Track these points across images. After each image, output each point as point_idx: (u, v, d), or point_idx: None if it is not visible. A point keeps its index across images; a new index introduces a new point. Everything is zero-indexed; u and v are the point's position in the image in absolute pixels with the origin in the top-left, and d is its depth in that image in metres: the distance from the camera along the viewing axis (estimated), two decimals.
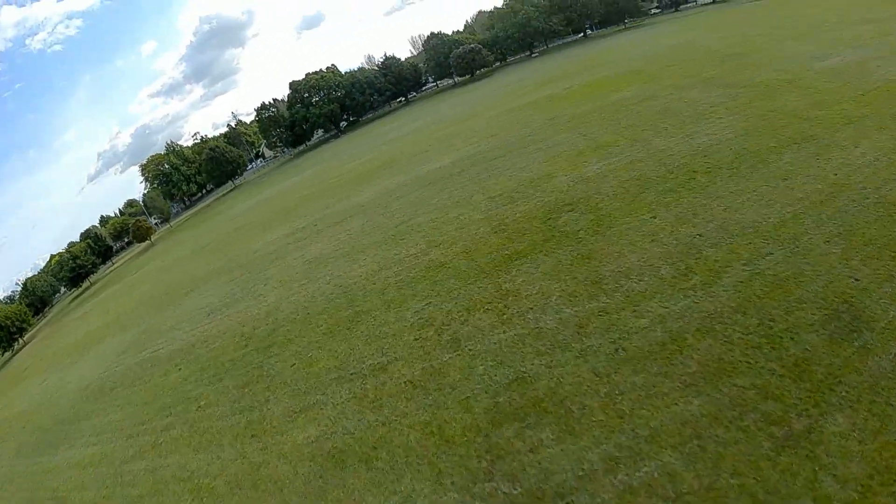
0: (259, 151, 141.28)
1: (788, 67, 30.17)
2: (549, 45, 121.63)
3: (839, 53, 32.11)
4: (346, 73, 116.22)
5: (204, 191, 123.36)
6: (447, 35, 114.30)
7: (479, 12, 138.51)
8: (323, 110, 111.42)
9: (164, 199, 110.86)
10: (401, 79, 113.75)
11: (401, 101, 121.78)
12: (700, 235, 13.36)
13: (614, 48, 66.77)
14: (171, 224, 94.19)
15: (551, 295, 12.37)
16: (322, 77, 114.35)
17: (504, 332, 11.61)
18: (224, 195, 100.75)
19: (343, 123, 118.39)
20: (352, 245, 22.62)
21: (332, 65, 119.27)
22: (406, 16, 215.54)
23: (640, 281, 11.96)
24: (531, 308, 12.12)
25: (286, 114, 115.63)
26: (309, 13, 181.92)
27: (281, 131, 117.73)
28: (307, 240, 27.15)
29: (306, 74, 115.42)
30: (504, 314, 12.31)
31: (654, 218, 14.89)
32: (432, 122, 55.85)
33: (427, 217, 21.71)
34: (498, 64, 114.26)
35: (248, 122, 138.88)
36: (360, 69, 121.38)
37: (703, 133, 21.23)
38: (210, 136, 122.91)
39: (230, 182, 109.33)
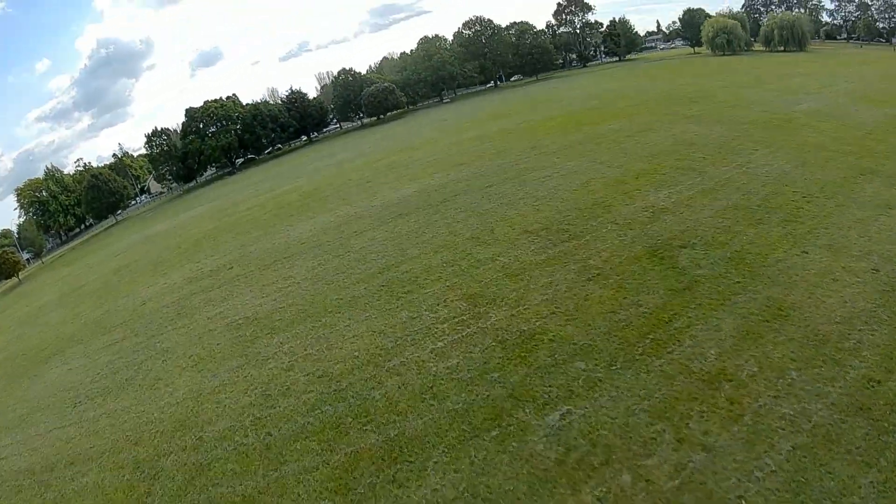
0: (145, 186, 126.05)
1: (772, 109, 29.16)
2: (458, 93, 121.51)
3: (803, 100, 31.96)
4: (247, 104, 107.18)
5: (83, 225, 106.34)
6: (358, 73, 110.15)
7: (385, 58, 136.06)
8: (220, 142, 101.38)
9: (39, 230, 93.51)
10: (306, 115, 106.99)
11: (303, 140, 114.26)
12: (875, 270, 10.47)
13: (545, 93, 66.14)
14: (44, 260, 78.39)
15: (785, 370, 7.66)
16: (222, 106, 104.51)
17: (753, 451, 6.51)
18: (106, 230, 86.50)
19: (239, 160, 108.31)
20: (307, 300, 15.46)
21: (234, 94, 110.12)
22: (301, 62, 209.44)
23: (873, 333, 8.11)
24: (767, 395, 7.27)
25: (179, 143, 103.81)
26: (206, 48, 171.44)
27: (172, 163, 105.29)
28: (222, 288, 19.74)
29: (205, 102, 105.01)
30: (731, 412, 7.31)
31: (806, 253, 11.38)
32: (358, 155, 50.31)
33: (432, 257, 15.96)
34: (409, 108, 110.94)
35: (135, 156, 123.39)
36: (264, 102, 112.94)
37: (755, 163, 18.47)
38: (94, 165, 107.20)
39: (112, 217, 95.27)
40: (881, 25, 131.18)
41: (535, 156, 25.60)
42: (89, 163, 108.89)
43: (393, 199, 24.28)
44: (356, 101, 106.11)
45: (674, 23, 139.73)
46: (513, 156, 26.66)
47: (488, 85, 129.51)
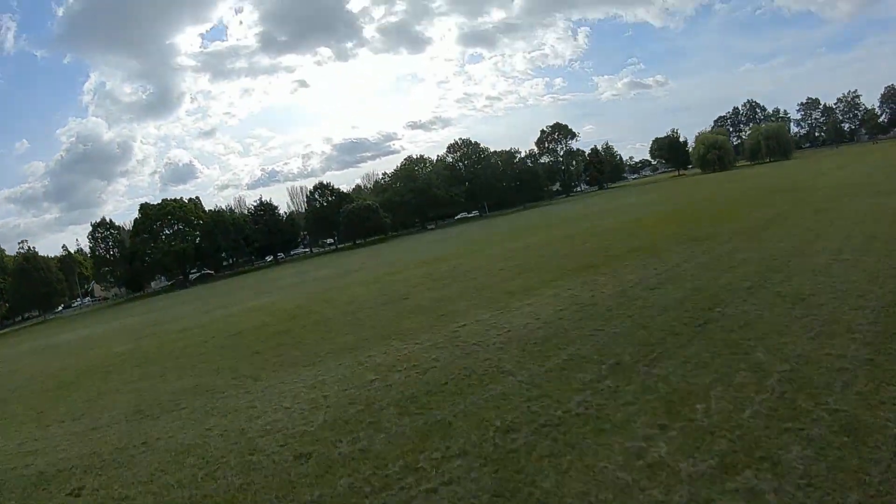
0: (89, 288, 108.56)
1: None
2: (441, 222, 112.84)
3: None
4: (210, 210, 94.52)
5: (21, 317, 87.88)
6: (337, 188, 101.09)
7: (358, 185, 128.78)
8: (174, 247, 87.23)
9: None
10: (274, 230, 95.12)
11: (268, 260, 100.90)
12: None
13: (556, 213, 56.50)
14: None
15: None
16: (181, 207, 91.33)
17: None
18: (30, 326, 69.02)
19: (193, 273, 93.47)
20: None
21: (197, 197, 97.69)
22: (272, 192, 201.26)
23: None
24: None
25: (127, 242, 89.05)
26: (179, 165, 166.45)
27: (117, 264, 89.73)
28: None
29: (164, 200, 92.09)
30: None
31: None
32: (358, 268, 37.60)
33: None
34: (390, 234, 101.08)
35: (89, 256, 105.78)
36: (230, 210, 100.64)
37: None
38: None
39: (41, 313, 78.60)
40: (846, 126, 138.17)
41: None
42: (34, 248, 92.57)
43: (519, 326, 11.13)
44: (333, 219, 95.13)
45: (656, 149, 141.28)
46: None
47: (472, 213, 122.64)
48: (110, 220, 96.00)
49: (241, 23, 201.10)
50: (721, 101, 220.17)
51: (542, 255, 22.13)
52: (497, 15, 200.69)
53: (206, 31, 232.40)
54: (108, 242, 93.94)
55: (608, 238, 23.06)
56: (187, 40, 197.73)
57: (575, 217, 44.78)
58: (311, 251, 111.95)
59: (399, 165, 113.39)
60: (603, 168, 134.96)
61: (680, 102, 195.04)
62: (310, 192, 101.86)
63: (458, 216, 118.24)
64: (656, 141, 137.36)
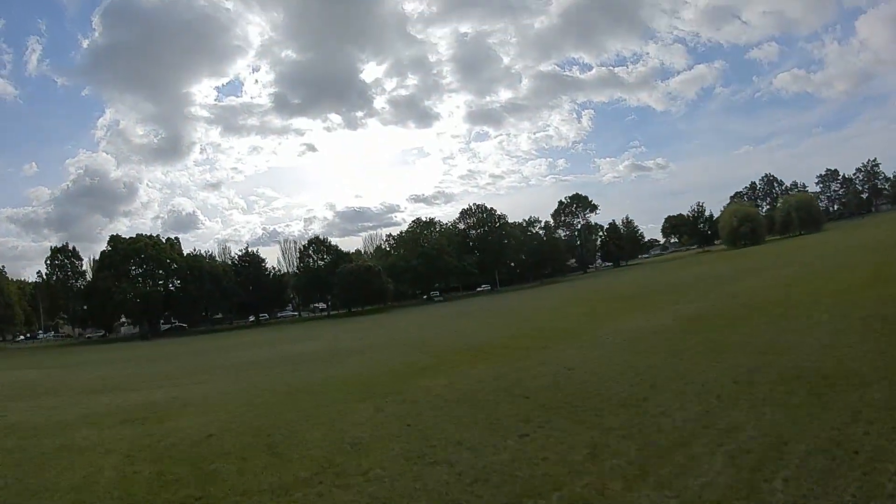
0: (56, 322, 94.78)
1: None
2: (449, 293, 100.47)
3: None
4: (188, 254, 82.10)
5: None
6: (334, 246, 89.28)
7: (358, 251, 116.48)
8: (138, 288, 74.15)
9: None
10: (259, 285, 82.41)
11: (249, 320, 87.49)
12: None
13: (613, 287, 43.80)
14: None
15: None
16: (155, 245, 79.06)
17: None
18: None
19: (166, 323, 79.73)
20: None
21: (176, 238, 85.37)
22: (272, 253, 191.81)
23: None
24: None
25: (89, 275, 76.43)
26: (182, 213, 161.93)
27: (72, 298, 77.01)
28: None
29: (138, 235, 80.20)
30: None
31: None
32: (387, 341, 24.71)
33: None
34: (391, 304, 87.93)
35: None
36: (210, 257, 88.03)
37: None
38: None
39: None
40: (864, 195, 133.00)
41: None
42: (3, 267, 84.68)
43: None
44: (327, 280, 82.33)
45: (670, 226, 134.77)
46: None
47: (482, 287, 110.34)
48: (73, 248, 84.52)
49: (256, 81, 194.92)
50: (721, 182, 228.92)
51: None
52: (504, 95, 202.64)
53: (223, 85, 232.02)
54: (66, 272, 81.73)
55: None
56: (203, 91, 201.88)
57: (653, 291, 31.55)
58: (300, 314, 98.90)
59: (406, 229, 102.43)
60: (622, 244, 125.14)
61: (680, 184, 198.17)
62: (303, 246, 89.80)
63: (477, 289, 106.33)
64: (669, 219, 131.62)
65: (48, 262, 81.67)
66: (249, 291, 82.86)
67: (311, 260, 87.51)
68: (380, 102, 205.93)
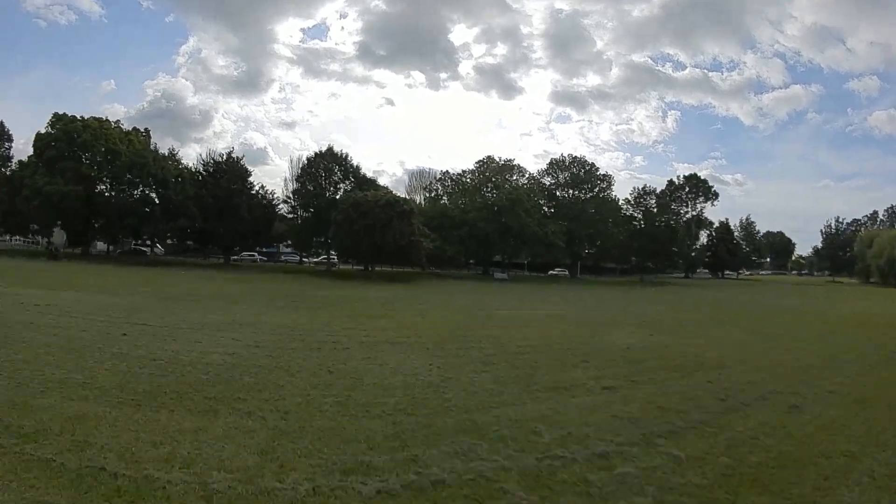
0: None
1: None
2: (513, 272, 69.26)
3: None
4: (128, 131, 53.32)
5: None
6: (355, 167, 58.25)
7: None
8: (51, 188, 46.50)
9: None
10: (230, 207, 52.39)
11: (218, 260, 59.16)
12: None
13: None
14: None
15: None
16: (103, 127, 52.81)
17: None
18: None
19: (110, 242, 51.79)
20: None
21: (146, 129, 58.77)
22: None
23: None
24: None
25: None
26: (255, 148, 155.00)
27: None
28: None
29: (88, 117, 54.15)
30: None
31: None
32: None
33: None
34: (430, 270, 56.83)
35: None
36: (170, 155, 58.00)
37: None
38: None
39: None
40: None
41: None
42: None
43: None
44: (327, 214, 50.85)
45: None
46: None
47: (557, 271, 78.83)
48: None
49: (342, 28, 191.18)
50: (795, 212, 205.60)
51: None
52: (592, 80, 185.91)
53: (308, 28, 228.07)
54: None
55: None
56: (287, 31, 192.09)
57: None
58: (302, 261, 69.66)
59: (474, 166, 69.99)
60: (735, 251, 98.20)
61: (753, 205, 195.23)
62: (307, 160, 58.34)
63: (549, 271, 77.82)
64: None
65: None
66: (213, 212, 52.70)
67: (316, 184, 56.22)
68: (465, 67, 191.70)
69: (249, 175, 58.66)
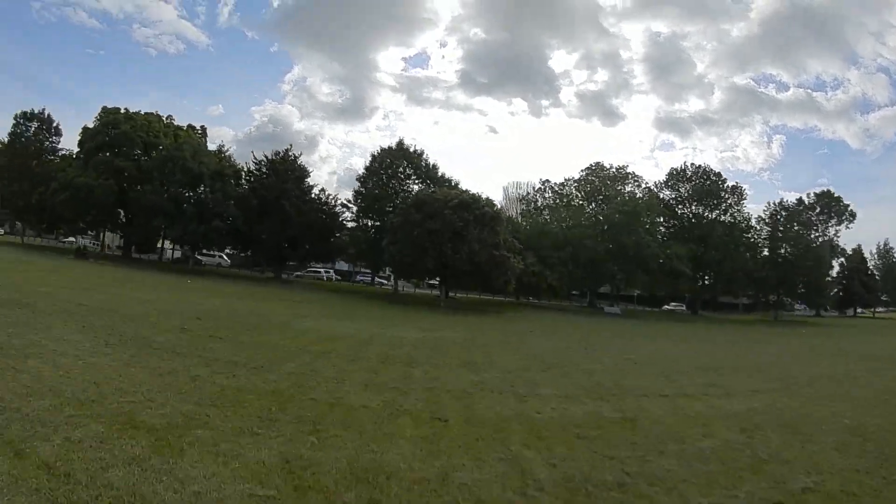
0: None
1: None
2: (619, 305, 54.46)
3: None
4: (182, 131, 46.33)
5: None
6: (433, 167, 47.39)
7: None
8: (80, 181, 40.97)
9: None
10: (277, 211, 43.04)
11: (262, 271, 50.38)
12: None
13: None
14: None
15: None
16: (147, 121, 47.79)
17: None
18: None
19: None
20: None
21: (201, 127, 51.75)
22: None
23: None
24: None
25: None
26: (361, 172, 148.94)
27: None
28: None
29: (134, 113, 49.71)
30: None
31: None
32: None
33: None
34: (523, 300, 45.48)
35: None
36: (219, 151, 51.46)
37: None
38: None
39: None
40: None
41: None
42: None
43: None
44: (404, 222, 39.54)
45: None
46: None
47: (672, 306, 64.46)
48: (47, 114, 53.35)
49: (443, 57, 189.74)
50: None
51: None
52: (695, 104, 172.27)
53: (409, 57, 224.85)
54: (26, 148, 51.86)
55: None
56: (390, 59, 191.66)
57: None
58: (375, 279, 59.71)
59: (580, 174, 57.23)
60: (871, 284, 78.53)
61: (863, 236, 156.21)
62: (372, 157, 48.24)
63: (664, 306, 63.63)
64: None
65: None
66: (257, 215, 43.80)
67: (381, 185, 45.96)
68: (566, 94, 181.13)
69: (307, 175, 49.30)
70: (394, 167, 45.86)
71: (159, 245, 53.29)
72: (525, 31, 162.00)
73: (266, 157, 48.62)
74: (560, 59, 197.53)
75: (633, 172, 57.99)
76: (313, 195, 48.96)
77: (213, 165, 45.54)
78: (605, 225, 47.52)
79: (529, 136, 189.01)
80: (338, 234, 49.83)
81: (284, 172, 46.62)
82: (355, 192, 47.96)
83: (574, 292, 57.80)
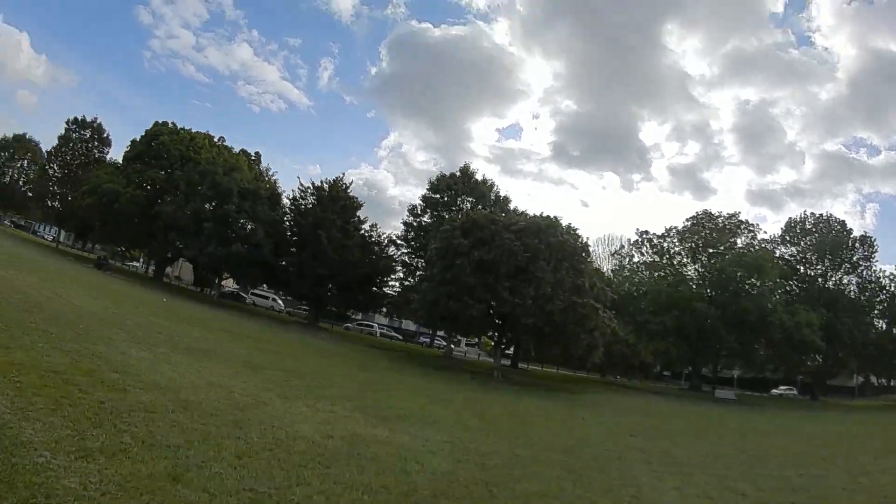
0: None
1: None
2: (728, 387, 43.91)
3: None
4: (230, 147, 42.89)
5: None
6: (497, 195, 39.84)
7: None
8: (106, 188, 39.33)
9: None
10: (320, 251, 36.53)
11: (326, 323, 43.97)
12: None
13: None
14: None
15: None
16: (191, 137, 45.89)
17: None
18: None
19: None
20: None
21: (246, 151, 50.22)
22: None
23: None
24: None
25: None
26: None
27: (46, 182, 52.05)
28: None
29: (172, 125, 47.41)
30: None
31: None
32: None
33: None
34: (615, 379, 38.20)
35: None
36: (260, 176, 46.78)
37: None
38: None
39: None
40: None
41: None
42: None
43: None
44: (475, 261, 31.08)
45: None
46: None
47: (780, 389, 53.39)
48: (98, 123, 52.97)
49: (535, 129, 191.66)
50: None
51: None
52: (786, 175, 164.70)
53: (503, 128, 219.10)
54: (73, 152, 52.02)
55: None
56: (484, 129, 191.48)
57: None
58: (433, 342, 51.66)
59: (685, 224, 47.61)
60: None
61: None
62: (431, 184, 41.36)
63: (772, 390, 52.78)
64: None
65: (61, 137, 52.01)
66: (296, 250, 37.65)
67: (436, 217, 38.74)
68: (658, 167, 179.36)
69: (358, 208, 42.87)
70: (453, 196, 38.57)
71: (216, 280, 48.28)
72: (616, 102, 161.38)
73: (313, 183, 42.85)
74: (650, 131, 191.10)
75: (747, 221, 47.87)
76: (362, 231, 42.56)
77: (247, 183, 40.08)
78: (716, 285, 37.69)
79: (621, 211, 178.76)
80: (383, 279, 42.97)
81: (330, 200, 40.54)
82: (404, 223, 40.84)
83: (665, 373, 47.32)
